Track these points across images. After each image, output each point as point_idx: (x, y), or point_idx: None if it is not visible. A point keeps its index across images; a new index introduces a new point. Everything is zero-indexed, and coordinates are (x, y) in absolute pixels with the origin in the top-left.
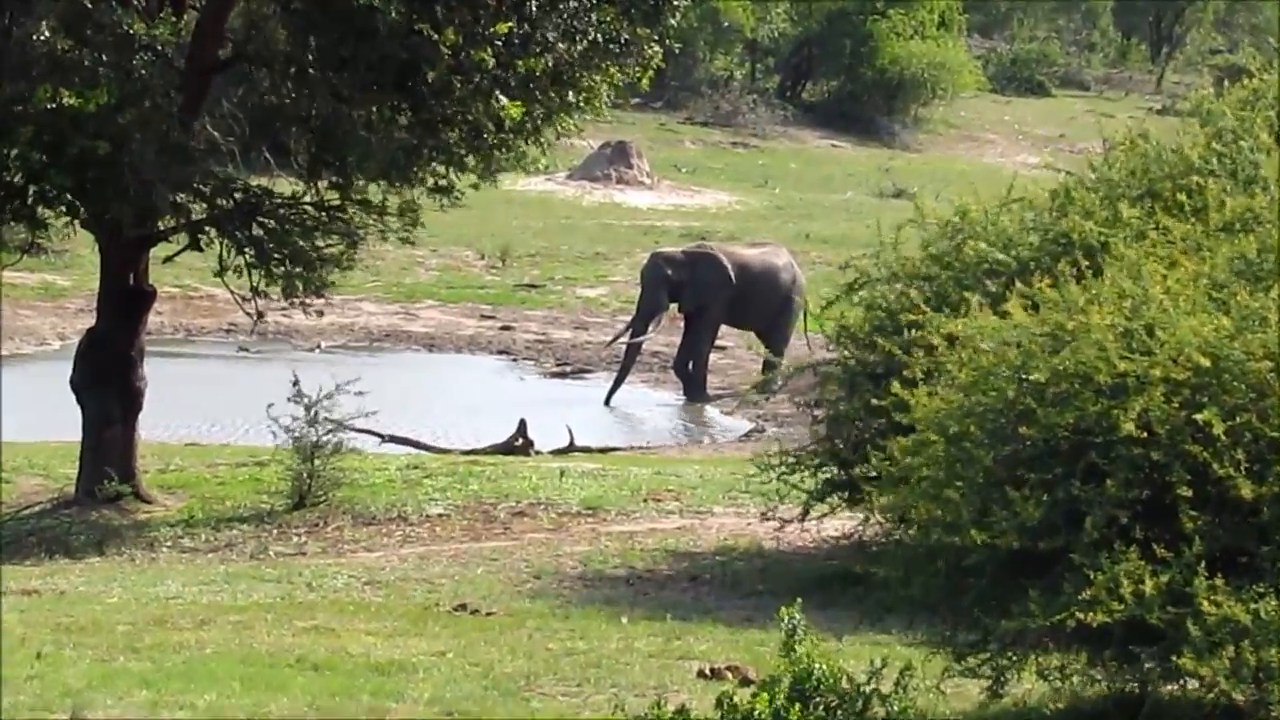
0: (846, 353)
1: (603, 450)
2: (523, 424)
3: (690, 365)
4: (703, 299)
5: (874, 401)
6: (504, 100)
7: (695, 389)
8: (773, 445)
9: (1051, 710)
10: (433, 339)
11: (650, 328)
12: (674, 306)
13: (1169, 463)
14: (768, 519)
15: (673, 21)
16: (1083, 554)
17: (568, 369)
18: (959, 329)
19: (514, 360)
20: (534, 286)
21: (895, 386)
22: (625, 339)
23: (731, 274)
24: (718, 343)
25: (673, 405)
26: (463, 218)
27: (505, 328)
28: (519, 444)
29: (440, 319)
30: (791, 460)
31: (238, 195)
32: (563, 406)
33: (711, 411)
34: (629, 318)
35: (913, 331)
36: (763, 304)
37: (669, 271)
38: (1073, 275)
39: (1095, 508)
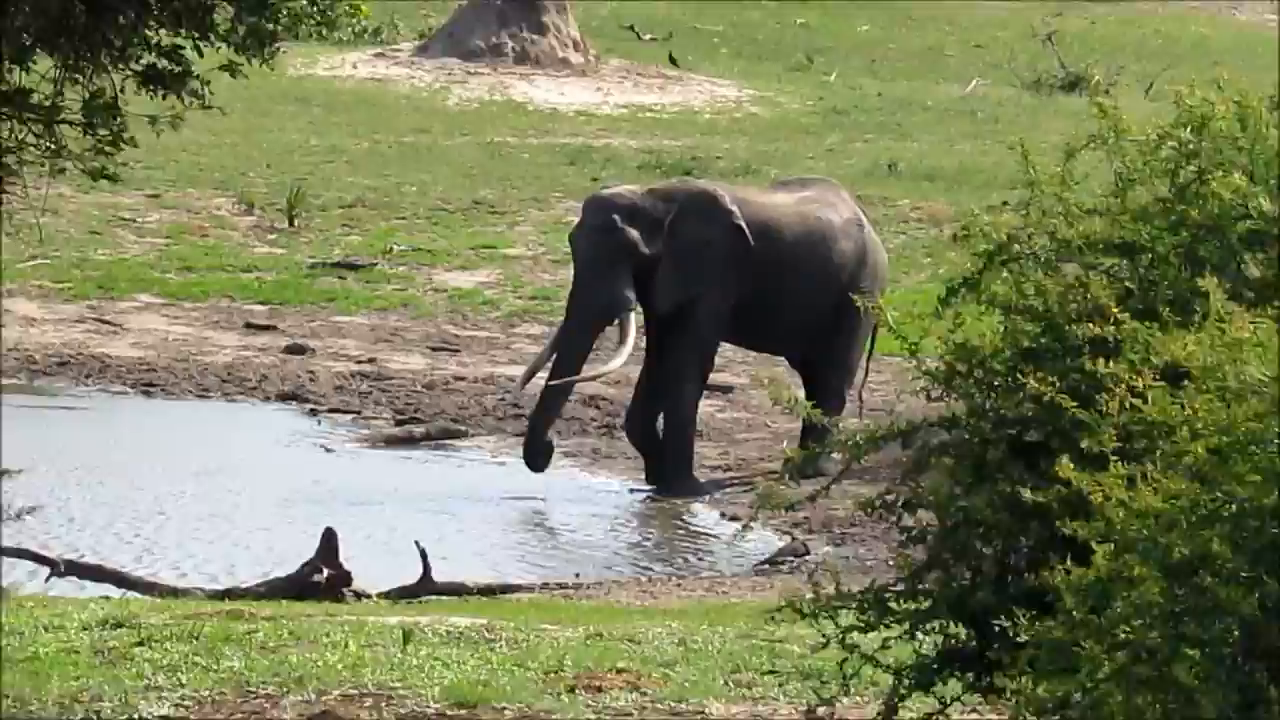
0: (967, 401)
1: (490, 590)
2: (329, 539)
3: (665, 422)
4: (690, 286)
5: (1023, 497)
6: None
7: (674, 469)
8: (824, 579)
9: None
10: (153, 371)
11: (613, 359)
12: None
13: None
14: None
15: None
16: None
17: (419, 431)
18: (1192, 348)
19: (313, 414)
20: (352, 267)
21: (1065, 465)
22: (546, 373)
23: (748, 238)
24: (714, 377)
25: (629, 501)
26: (210, 134)
27: (295, 349)
28: (322, 578)
29: (167, 331)
30: (864, 608)
31: None
32: (409, 505)
33: (704, 514)
34: (550, 328)
35: (1098, 359)
36: (804, 302)
37: (631, 234)
38: None
39: None
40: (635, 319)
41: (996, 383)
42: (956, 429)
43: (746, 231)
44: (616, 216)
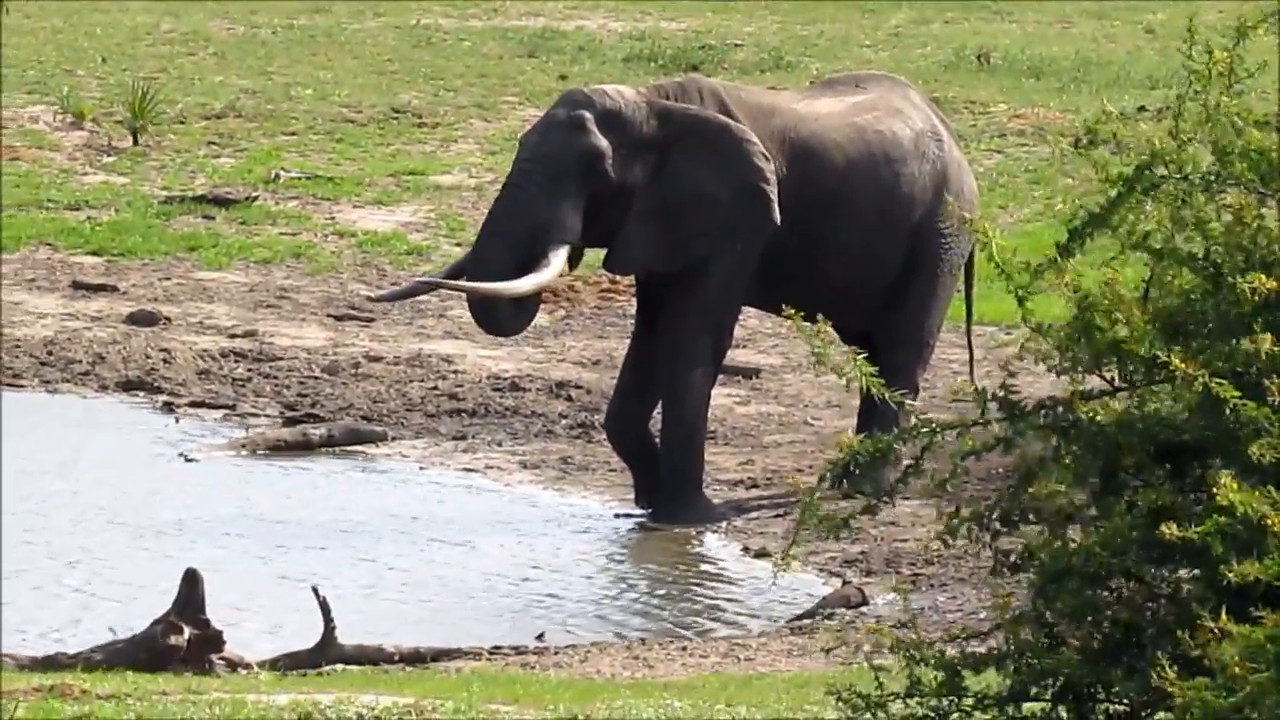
0: (1090, 385)
1: (418, 657)
2: (192, 586)
3: (664, 421)
4: (673, 253)
5: (1165, 534)
6: None
7: (676, 485)
8: (883, 644)
9: None
10: None
11: (524, 279)
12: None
13: None
14: None
15: None
16: None
17: (318, 433)
18: None
19: (168, 409)
20: (222, 203)
21: (1228, 485)
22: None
23: (773, 206)
24: (732, 355)
25: (612, 530)
26: (22, 15)
27: (143, 318)
28: (181, 640)
29: None
30: (940, 691)
31: None
32: (304, 536)
33: (718, 547)
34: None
35: (1267, 331)
36: (861, 250)
37: (600, 143)
38: None
39: None
40: (565, 255)
41: (1132, 361)
42: (1079, 421)
43: (773, 196)
44: (589, 115)
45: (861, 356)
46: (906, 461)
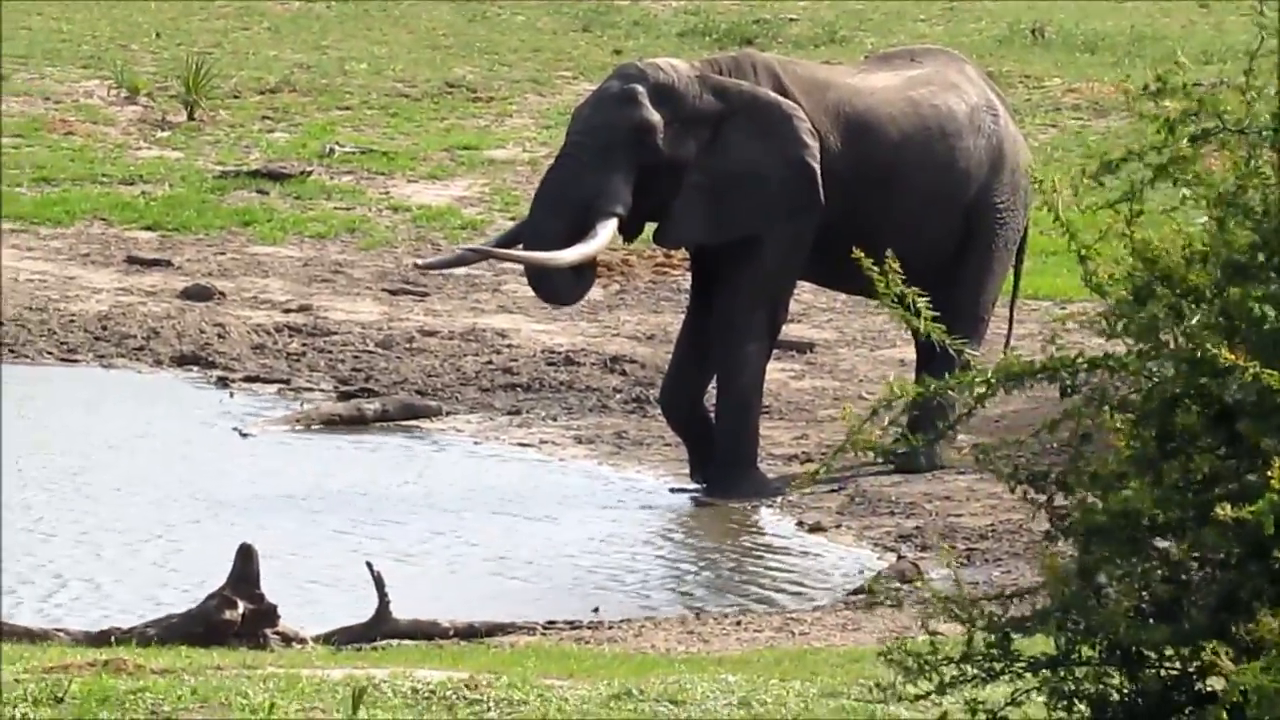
0: (1150, 334)
1: (472, 632)
2: (246, 560)
3: (719, 396)
4: (746, 210)
5: (1219, 514)
6: None
7: (731, 460)
8: (935, 608)
9: None
10: None
11: (568, 251)
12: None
13: None
14: None
15: None
16: None
17: (372, 408)
18: None
19: (222, 383)
20: (276, 177)
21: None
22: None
23: (819, 189)
24: (787, 329)
25: (667, 505)
26: None
27: (197, 293)
28: (236, 615)
29: (17, 269)
30: (991, 653)
31: None
32: (358, 511)
33: (773, 522)
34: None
35: None
36: (917, 223)
37: (652, 116)
38: None
39: None
40: (614, 226)
41: (1188, 329)
42: (1136, 375)
43: (819, 178)
44: (641, 88)
45: (923, 299)
46: (960, 409)
